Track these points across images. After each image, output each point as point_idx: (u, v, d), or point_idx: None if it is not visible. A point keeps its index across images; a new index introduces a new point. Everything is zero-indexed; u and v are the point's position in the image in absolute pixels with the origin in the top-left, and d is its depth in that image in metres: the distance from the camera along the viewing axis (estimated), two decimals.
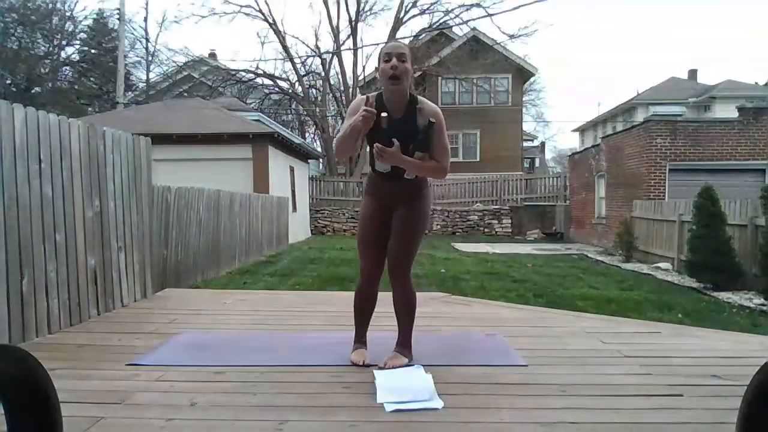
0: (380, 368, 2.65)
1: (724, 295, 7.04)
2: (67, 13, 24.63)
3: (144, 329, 3.53)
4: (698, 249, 7.77)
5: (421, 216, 2.75)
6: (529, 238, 17.49)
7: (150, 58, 25.00)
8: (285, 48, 22.80)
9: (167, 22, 41.58)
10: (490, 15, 20.88)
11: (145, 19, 24.29)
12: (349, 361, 2.79)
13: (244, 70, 22.60)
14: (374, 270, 2.80)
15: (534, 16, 74.43)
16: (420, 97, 2.66)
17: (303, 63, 23.80)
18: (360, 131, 2.52)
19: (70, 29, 25.00)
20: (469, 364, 2.81)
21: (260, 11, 22.11)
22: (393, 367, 2.66)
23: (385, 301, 2.96)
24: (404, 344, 2.80)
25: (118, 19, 17.91)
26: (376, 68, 2.72)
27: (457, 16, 22.19)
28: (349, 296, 2.99)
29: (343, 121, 2.76)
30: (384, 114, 2.51)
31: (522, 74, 24.78)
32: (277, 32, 22.43)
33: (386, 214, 2.74)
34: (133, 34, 24.14)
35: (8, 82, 22.56)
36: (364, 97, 2.68)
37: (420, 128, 2.55)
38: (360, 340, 2.89)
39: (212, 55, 25.83)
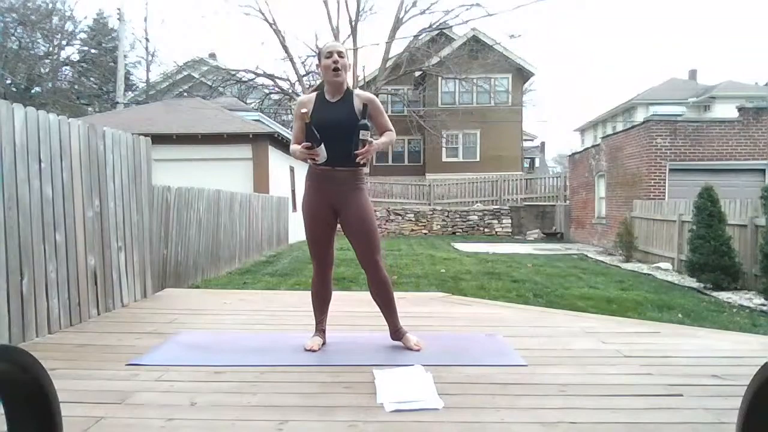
0: (414, 351, 2.98)
1: (724, 295, 7.05)
2: (67, 13, 24.66)
3: (144, 329, 3.53)
4: (698, 249, 7.77)
5: (367, 208, 3.00)
6: (529, 238, 17.48)
7: (150, 58, 25.02)
8: (285, 48, 22.82)
9: (167, 22, 41.59)
10: (490, 15, 20.89)
11: (145, 19, 24.34)
12: (348, 362, 2.80)
13: (244, 70, 22.60)
14: (326, 265, 3.07)
15: (534, 16, 74.45)
16: (356, 89, 3.11)
17: (303, 63, 23.82)
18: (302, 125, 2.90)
19: (70, 29, 25.03)
20: (469, 364, 2.81)
21: (260, 11, 22.14)
22: (417, 345, 3.01)
23: None
24: (398, 330, 3.09)
25: (118, 19, 17.91)
26: (317, 65, 3.08)
27: (457, 16, 22.22)
28: (350, 296, 3.00)
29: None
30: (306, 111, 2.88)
31: (522, 74, 24.78)
32: (277, 32, 22.44)
33: (329, 213, 2.99)
34: (133, 34, 24.18)
35: (8, 82, 22.55)
36: (304, 100, 3.00)
37: (357, 110, 2.91)
38: (319, 328, 3.13)
39: (212, 55, 25.83)
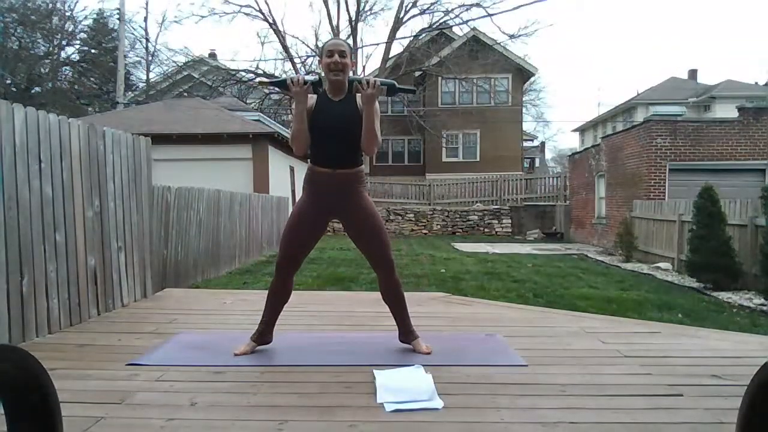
0: (423, 352, 2.94)
1: (724, 295, 7.05)
2: (67, 13, 24.65)
3: (144, 329, 3.53)
4: (698, 249, 7.77)
5: (373, 209, 2.95)
6: (529, 238, 17.48)
7: (150, 58, 25.02)
8: (285, 48, 22.81)
9: (167, 22, 41.64)
10: (490, 15, 20.88)
11: (145, 19, 24.35)
12: (348, 362, 2.80)
13: (244, 70, 22.60)
14: (292, 270, 2.99)
15: (534, 16, 74.48)
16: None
17: (303, 63, 23.79)
18: (301, 112, 2.80)
19: (70, 29, 25.01)
20: (469, 364, 2.81)
21: (260, 11, 22.12)
22: (428, 348, 2.97)
23: (382, 302, 2.97)
24: (410, 331, 3.04)
25: (118, 19, 17.92)
26: (319, 62, 3.00)
27: (457, 16, 22.20)
28: (350, 296, 2.99)
29: None
30: (310, 78, 2.82)
31: (522, 74, 24.79)
32: (277, 32, 22.44)
33: (323, 220, 2.96)
34: (133, 34, 24.17)
35: (8, 82, 22.55)
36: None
37: (360, 108, 2.84)
38: (263, 334, 3.00)
39: (212, 55, 25.83)
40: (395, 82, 2.91)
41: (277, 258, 2.99)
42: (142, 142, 4.73)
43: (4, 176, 3.03)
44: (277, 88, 3.23)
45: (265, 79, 2.76)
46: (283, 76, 3.08)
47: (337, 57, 2.80)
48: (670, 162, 11.32)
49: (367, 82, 2.75)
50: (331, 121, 2.81)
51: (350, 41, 22.40)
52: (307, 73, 24.33)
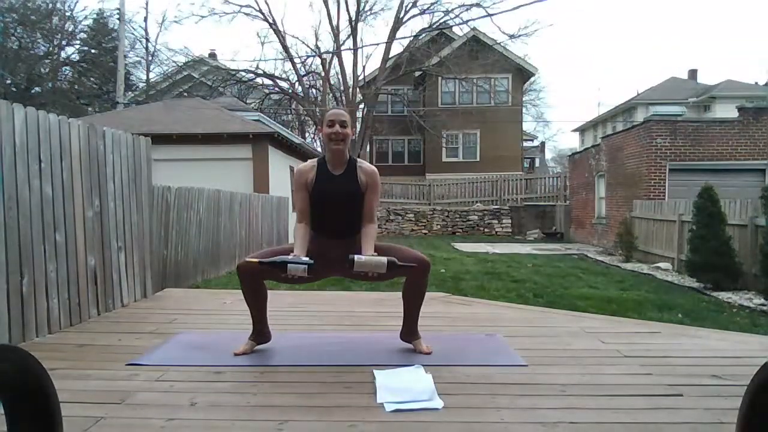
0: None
1: (724, 295, 7.04)
2: (67, 13, 24.64)
3: (144, 329, 3.53)
4: (698, 249, 7.77)
5: (387, 246, 2.89)
6: (529, 238, 17.49)
7: (150, 58, 25.02)
8: (285, 48, 22.83)
9: (167, 22, 41.64)
10: (490, 15, 20.88)
11: (145, 19, 24.36)
12: (349, 362, 2.80)
13: (244, 70, 22.61)
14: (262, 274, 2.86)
15: (534, 16, 74.48)
16: (358, 159, 2.98)
17: (303, 63, 23.82)
18: (304, 198, 2.87)
19: (70, 29, 24.99)
20: (469, 364, 2.81)
21: (260, 11, 22.13)
22: (428, 348, 2.96)
23: (382, 302, 2.97)
24: (414, 330, 3.02)
25: (118, 19, 17.91)
26: (319, 129, 3.00)
27: (457, 16, 22.22)
28: (351, 296, 2.99)
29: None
30: (304, 263, 2.64)
31: (522, 74, 24.80)
32: (277, 32, 22.44)
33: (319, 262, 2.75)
34: (133, 34, 24.16)
35: (8, 82, 22.55)
36: (305, 169, 2.91)
37: (361, 183, 2.86)
38: (260, 332, 3.00)
39: (212, 55, 25.83)
40: (396, 259, 2.70)
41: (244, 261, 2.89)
42: (142, 142, 4.73)
43: (4, 176, 3.04)
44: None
45: (265, 260, 2.72)
46: (282, 259, 2.91)
47: (338, 127, 2.80)
48: (670, 162, 11.32)
49: (365, 267, 2.63)
50: (331, 195, 2.81)
51: (350, 42, 22.41)
52: (307, 73, 24.31)
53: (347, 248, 2.79)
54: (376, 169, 2.96)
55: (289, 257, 2.67)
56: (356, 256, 2.64)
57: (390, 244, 2.99)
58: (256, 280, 2.88)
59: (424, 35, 23.08)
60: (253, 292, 2.92)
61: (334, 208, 2.84)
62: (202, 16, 24.18)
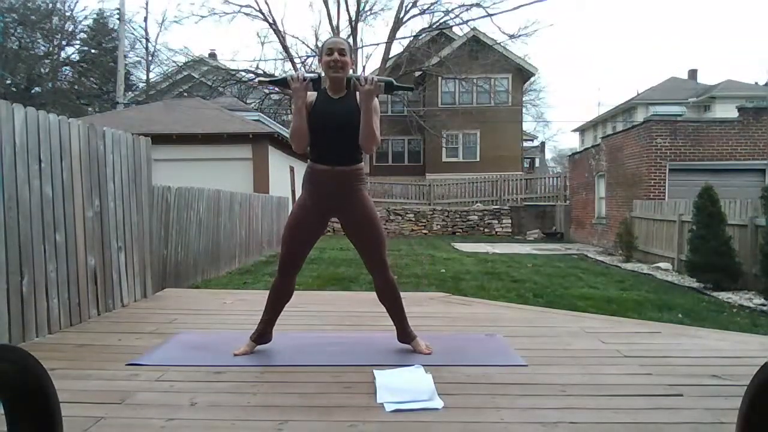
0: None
1: (724, 295, 7.05)
2: (67, 13, 24.64)
3: (144, 329, 3.53)
4: (698, 249, 7.77)
5: (371, 209, 2.94)
6: (529, 238, 17.48)
7: (150, 58, 25.02)
8: (285, 48, 22.80)
9: (167, 22, 41.63)
10: (490, 15, 20.87)
11: (145, 19, 24.35)
12: (348, 362, 2.80)
13: (244, 70, 22.60)
14: (293, 270, 2.99)
15: (534, 16, 74.48)
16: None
17: (303, 63, 23.79)
18: (301, 107, 2.80)
19: (70, 29, 25.01)
20: (469, 364, 2.81)
21: (260, 11, 22.12)
22: (428, 348, 2.98)
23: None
24: (408, 333, 3.03)
25: (118, 19, 17.91)
26: (319, 60, 2.98)
27: (457, 16, 22.19)
28: (350, 296, 2.99)
29: None
30: (311, 75, 2.83)
31: (522, 74, 24.80)
32: (277, 32, 22.42)
33: (320, 219, 2.94)
34: (133, 34, 24.17)
35: (8, 82, 22.55)
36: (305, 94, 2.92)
37: (360, 104, 2.83)
38: (262, 334, 3.01)
39: (212, 55, 25.83)
40: (393, 80, 2.91)
41: (279, 258, 2.99)
42: (142, 142, 4.73)
43: (4, 176, 3.04)
44: (277, 87, 3.33)
45: (264, 78, 2.77)
46: (283, 75, 3.12)
47: (336, 55, 2.80)
48: (670, 162, 11.32)
49: (365, 79, 2.76)
50: (330, 118, 2.81)
51: (350, 40, 22.41)
52: (308, 73, 24.30)
53: (344, 189, 2.85)
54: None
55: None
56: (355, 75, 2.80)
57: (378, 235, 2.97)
58: (293, 277, 2.98)
59: (424, 35, 23.06)
60: (282, 291, 2.99)
61: (333, 130, 2.80)
62: (202, 16, 24.14)
